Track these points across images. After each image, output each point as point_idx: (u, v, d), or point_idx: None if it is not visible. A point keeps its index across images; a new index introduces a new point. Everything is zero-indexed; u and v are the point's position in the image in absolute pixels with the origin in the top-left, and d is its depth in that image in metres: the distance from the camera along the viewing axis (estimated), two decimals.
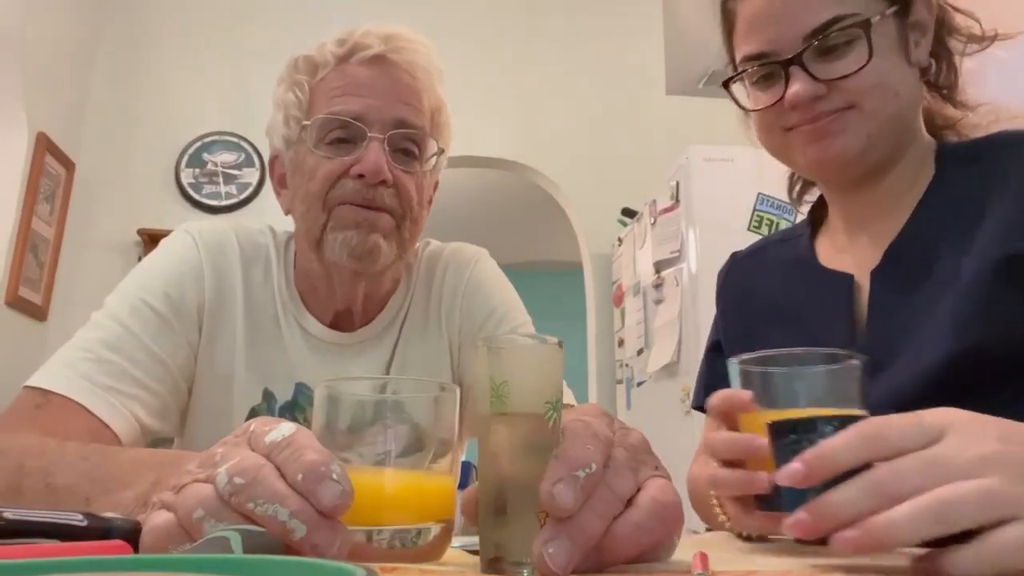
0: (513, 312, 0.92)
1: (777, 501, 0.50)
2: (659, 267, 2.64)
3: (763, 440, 0.50)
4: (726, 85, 0.78)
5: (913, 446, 0.39)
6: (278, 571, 0.28)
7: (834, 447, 0.40)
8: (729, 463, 0.54)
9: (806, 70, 0.70)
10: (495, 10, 3.60)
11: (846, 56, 0.69)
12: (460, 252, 0.95)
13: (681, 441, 2.38)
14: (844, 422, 0.42)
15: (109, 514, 0.38)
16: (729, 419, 0.57)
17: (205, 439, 0.83)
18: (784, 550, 0.56)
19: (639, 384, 2.82)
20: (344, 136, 0.80)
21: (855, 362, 0.52)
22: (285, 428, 0.38)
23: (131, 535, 0.37)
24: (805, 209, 0.90)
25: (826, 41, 0.69)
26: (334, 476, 0.36)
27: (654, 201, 2.74)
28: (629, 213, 3.11)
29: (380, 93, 0.81)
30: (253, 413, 0.84)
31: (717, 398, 0.56)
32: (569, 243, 3.80)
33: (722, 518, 0.64)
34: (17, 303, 2.70)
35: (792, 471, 0.40)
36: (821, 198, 0.85)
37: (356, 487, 0.37)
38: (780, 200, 2.44)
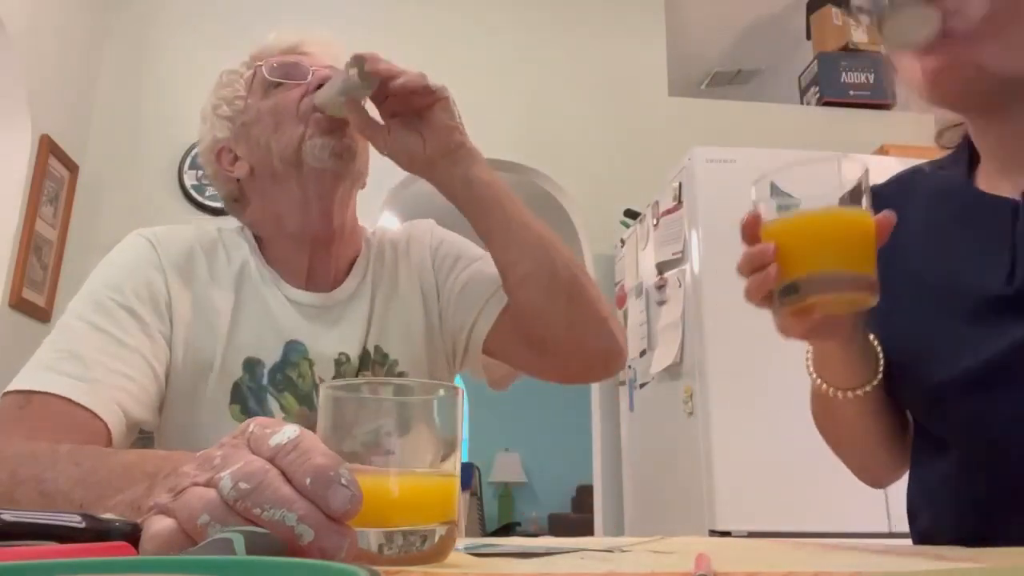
0: (475, 251, 1.00)
1: (785, 292, 0.62)
2: (662, 268, 2.64)
3: (769, 245, 0.62)
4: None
5: None
6: (281, 573, 0.28)
7: None
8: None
9: None
10: (497, 11, 3.60)
11: None
12: (418, 224, 1.05)
13: (683, 443, 2.38)
14: None
15: (108, 516, 0.38)
16: (756, 240, 0.65)
17: (183, 425, 0.85)
18: (785, 551, 0.56)
19: (642, 385, 2.82)
20: (290, 74, 0.90)
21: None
22: (289, 431, 0.38)
23: (131, 536, 0.37)
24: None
25: None
26: (343, 481, 0.36)
27: (656, 202, 2.74)
28: (631, 214, 3.10)
29: (307, 56, 0.93)
30: (236, 387, 0.86)
31: (741, 225, 0.66)
32: (571, 244, 3.80)
33: (818, 382, 0.75)
34: (20, 305, 2.71)
35: None
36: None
37: (363, 489, 0.36)
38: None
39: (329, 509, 0.35)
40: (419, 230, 1.03)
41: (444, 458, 0.45)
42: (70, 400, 0.71)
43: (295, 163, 0.87)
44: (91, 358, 0.74)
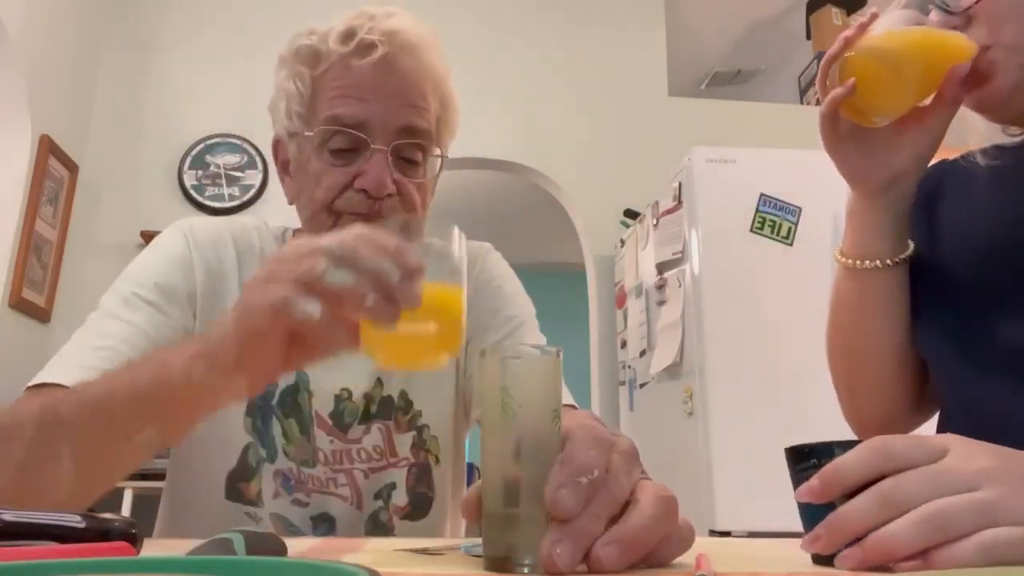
0: (518, 309, 0.94)
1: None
2: (661, 268, 2.64)
3: (865, 21, 0.69)
4: None
5: (919, 461, 0.43)
6: (280, 572, 0.28)
7: (845, 462, 0.43)
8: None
9: (938, 5, 0.70)
10: (498, 11, 3.60)
11: None
12: (471, 248, 0.99)
13: (683, 443, 2.38)
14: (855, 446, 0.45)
15: (107, 515, 0.38)
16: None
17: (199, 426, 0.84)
18: (785, 551, 0.56)
19: (641, 386, 2.82)
20: (346, 146, 0.80)
21: None
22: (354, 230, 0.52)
23: (131, 537, 0.37)
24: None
25: None
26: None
27: (656, 202, 2.74)
28: (631, 214, 3.11)
29: (384, 96, 0.80)
30: (249, 401, 0.84)
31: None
32: (571, 245, 3.80)
33: (844, 259, 0.78)
34: (20, 305, 2.70)
35: (810, 487, 0.44)
36: None
37: None
38: (782, 201, 2.43)
39: (407, 264, 0.49)
40: (469, 256, 0.97)
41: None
42: None
43: None
44: (111, 351, 0.74)
